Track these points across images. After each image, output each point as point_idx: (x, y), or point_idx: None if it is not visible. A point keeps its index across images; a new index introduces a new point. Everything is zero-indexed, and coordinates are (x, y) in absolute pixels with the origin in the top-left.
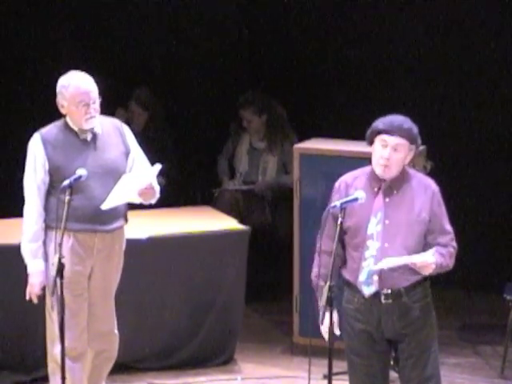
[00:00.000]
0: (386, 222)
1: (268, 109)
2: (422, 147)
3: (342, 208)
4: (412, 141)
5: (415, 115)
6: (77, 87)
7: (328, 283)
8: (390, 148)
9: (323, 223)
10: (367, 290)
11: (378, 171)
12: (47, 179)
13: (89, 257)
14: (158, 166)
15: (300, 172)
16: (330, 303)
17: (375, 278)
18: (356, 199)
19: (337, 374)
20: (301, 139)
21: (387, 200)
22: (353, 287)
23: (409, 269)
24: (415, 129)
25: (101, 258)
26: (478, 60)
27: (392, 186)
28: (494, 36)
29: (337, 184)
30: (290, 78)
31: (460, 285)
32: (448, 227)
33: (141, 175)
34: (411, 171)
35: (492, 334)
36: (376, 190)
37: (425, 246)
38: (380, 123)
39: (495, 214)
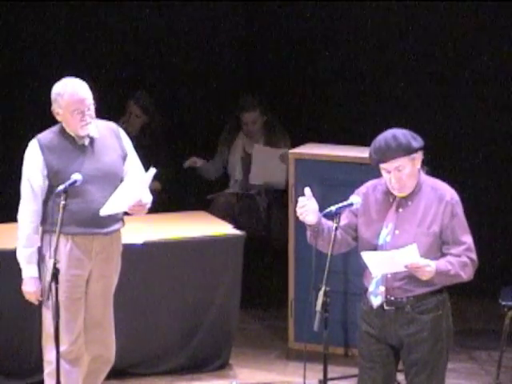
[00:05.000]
0: (396, 232)
1: (268, 110)
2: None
3: (337, 213)
4: (408, 152)
5: (410, 120)
6: (71, 95)
7: (324, 288)
8: (393, 172)
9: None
10: (375, 301)
11: (396, 193)
12: (46, 184)
13: (88, 260)
14: (153, 171)
15: (295, 177)
16: (325, 308)
17: (382, 288)
18: (351, 204)
19: (332, 379)
20: (296, 144)
21: (400, 210)
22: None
23: (414, 280)
24: (405, 138)
25: (99, 260)
26: (475, 62)
27: (406, 198)
28: (492, 40)
29: (358, 189)
30: (285, 83)
31: (455, 290)
32: (463, 238)
33: (136, 183)
34: (428, 179)
35: (487, 340)
36: (391, 200)
37: (441, 257)
38: (373, 153)
39: (490, 220)
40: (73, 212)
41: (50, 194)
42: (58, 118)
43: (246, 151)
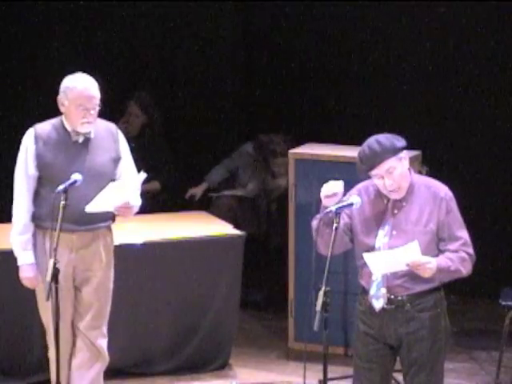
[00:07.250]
0: (394, 232)
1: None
2: (416, 152)
3: (337, 213)
4: (394, 152)
5: (409, 120)
6: (81, 91)
7: (324, 288)
8: (385, 175)
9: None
10: (377, 304)
11: (393, 197)
12: (36, 174)
13: (67, 254)
14: (143, 175)
15: (295, 177)
16: (325, 308)
17: (383, 290)
18: (351, 204)
19: (332, 379)
20: (296, 144)
21: (395, 211)
22: (365, 290)
23: (414, 278)
24: (387, 140)
25: (82, 256)
26: (472, 63)
27: (401, 199)
28: (486, 41)
29: (350, 192)
30: (285, 82)
31: (456, 290)
32: (459, 233)
33: (125, 185)
34: (420, 178)
35: (487, 340)
36: (385, 202)
37: (439, 254)
38: (360, 163)
39: (491, 220)
40: (55, 207)
41: (39, 185)
42: (62, 109)
43: (266, 183)
